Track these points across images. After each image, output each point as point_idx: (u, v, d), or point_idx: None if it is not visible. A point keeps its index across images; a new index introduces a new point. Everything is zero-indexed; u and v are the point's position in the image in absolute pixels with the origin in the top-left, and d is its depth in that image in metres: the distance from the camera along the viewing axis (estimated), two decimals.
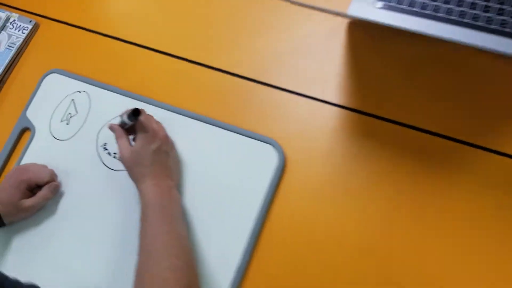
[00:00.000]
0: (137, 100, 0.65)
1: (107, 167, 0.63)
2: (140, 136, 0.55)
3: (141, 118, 0.54)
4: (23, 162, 0.68)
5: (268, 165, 0.56)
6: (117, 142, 0.57)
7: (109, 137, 0.63)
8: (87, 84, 0.70)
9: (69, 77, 0.71)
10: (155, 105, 0.64)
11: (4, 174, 0.69)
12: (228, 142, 0.59)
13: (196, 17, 0.71)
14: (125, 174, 0.56)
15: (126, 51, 0.72)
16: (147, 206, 0.51)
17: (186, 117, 0.62)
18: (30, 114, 0.72)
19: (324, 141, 0.57)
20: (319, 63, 0.61)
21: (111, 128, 0.59)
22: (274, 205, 0.55)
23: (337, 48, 0.61)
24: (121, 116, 0.57)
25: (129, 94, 0.67)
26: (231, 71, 0.65)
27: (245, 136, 0.59)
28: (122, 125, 0.57)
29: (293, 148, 0.57)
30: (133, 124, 0.55)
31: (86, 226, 0.61)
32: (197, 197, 0.58)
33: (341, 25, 0.61)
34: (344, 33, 0.61)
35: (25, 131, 0.72)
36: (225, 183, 0.58)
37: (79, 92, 0.70)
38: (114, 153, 0.64)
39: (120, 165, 0.58)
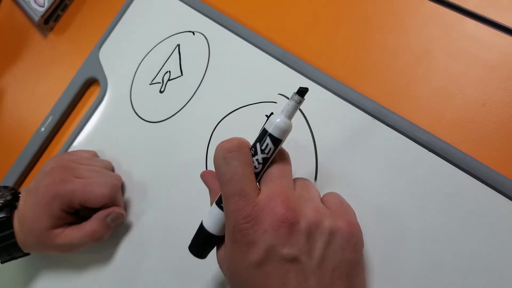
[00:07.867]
0: (310, 79, 0.29)
1: None
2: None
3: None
4: (75, 146, 0.38)
5: None
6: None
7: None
8: (207, 19, 0.35)
9: None
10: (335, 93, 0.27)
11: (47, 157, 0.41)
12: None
13: None
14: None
15: None
16: None
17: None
18: (104, 55, 0.41)
19: None
20: None
21: (204, 177, 0.25)
22: None
23: None
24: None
25: (292, 60, 0.31)
26: None
27: None
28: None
29: None
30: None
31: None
32: None
33: None
34: None
35: (92, 83, 0.42)
36: None
37: (192, 33, 0.36)
38: None
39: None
